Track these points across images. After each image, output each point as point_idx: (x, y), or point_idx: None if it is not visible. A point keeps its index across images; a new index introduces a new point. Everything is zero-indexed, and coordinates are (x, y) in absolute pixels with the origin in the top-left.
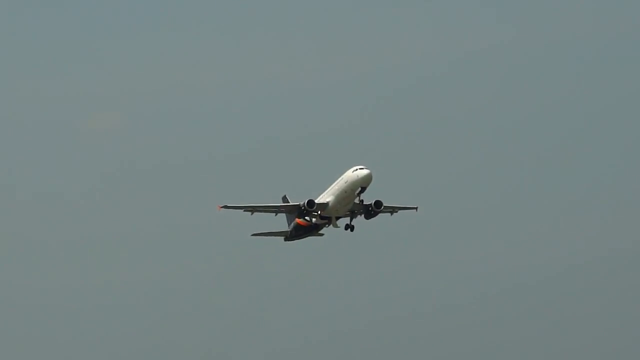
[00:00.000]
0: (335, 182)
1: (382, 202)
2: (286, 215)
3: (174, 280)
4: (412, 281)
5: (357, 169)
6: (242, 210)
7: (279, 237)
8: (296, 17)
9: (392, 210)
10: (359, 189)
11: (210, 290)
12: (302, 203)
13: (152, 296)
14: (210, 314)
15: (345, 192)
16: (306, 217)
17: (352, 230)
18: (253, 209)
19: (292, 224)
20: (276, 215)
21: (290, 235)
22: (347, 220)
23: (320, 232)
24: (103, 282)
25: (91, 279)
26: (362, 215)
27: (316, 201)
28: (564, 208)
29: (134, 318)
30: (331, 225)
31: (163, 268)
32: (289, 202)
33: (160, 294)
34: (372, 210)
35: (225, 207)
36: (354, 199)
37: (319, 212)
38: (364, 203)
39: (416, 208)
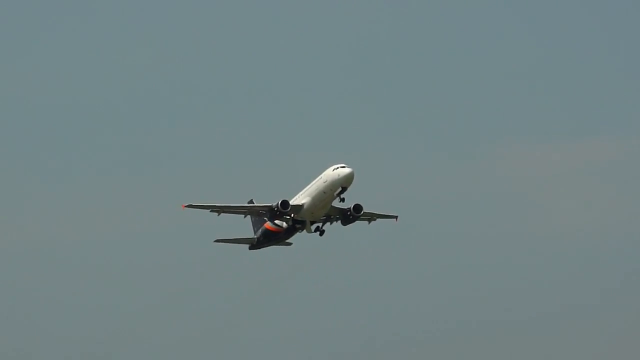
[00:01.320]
0: (312, 182)
1: (362, 206)
2: (252, 221)
3: (129, 287)
4: (379, 295)
5: (338, 167)
6: (209, 210)
7: (244, 244)
8: None
9: (371, 217)
10: (340, 189)
11: (167, 297)
12: (275, 204)
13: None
14: (167, 320)
15: (324, 192)
16: (276, 222)
17: (321, 234)
18: (220, 210)
19: (260, 230)
20: (245, 217)
21: (257, 242)
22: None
23: (289, 240)
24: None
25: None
26: (338, 221)
27: (291, 203)
28: None
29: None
30: (304, 231)
31: (117, 273)
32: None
33: (111, 298)
34: (351, 215)
35: (190, 206)
36: (333, 201)
37: (293, 216)
38: (342, 207)
39: (396, 217)
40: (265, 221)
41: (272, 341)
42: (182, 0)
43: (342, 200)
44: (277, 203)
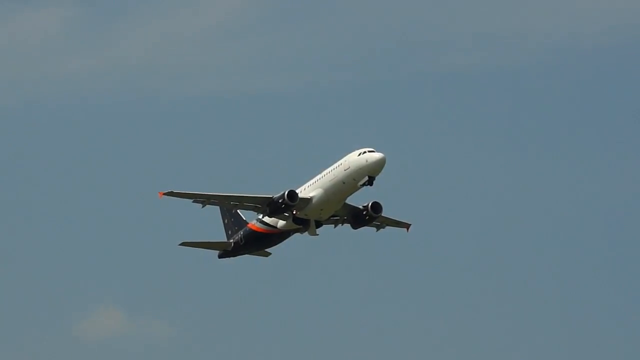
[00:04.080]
0: (326, 171)
1: (382, 205)
2: (224, 223)
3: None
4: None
5: (365, 152)
6: (192, 200)
7: (213, 250)
8: None
9: (381, 223)
10: (365, 178)
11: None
12: (278, 195)
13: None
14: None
15: (344, 183)
16: (267, 221)
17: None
18: (206, 200)
19: (242, 232)
20: (233, 211)
21: (234, 248)
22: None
23: (269, 250)
24: None
25: None
26: (344, 225)
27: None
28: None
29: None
30: (306, 233)
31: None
32: None
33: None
34: (367, 215)
35: (170, 193)
36: (350, 194)
37: (295, 212)
38: (355, 206)
39: (408, 226)
40: (246, 221)
41: None
42: None
43: (371, 184)
44: (283, 194)
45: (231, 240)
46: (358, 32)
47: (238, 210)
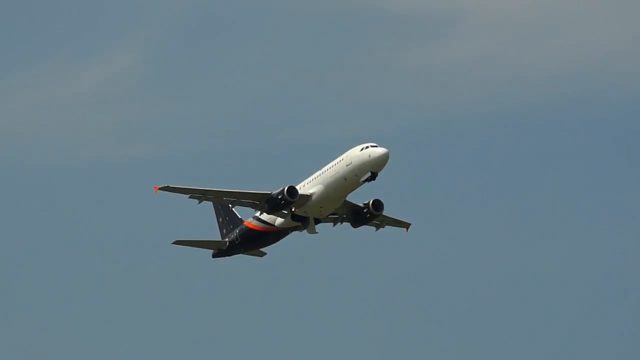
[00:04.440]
0: (326, 167)
1: (383, 203)
2: (219, 222)
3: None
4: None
5: (367, 147)
6: (188, 196)
7: (207, 249)
8: None
9: (381, 222)
10: (368, 174)
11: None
12: (278, 191)
13: None
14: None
15: (345, 179)
16: (264, 219)
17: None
18: (203, 195)
19: (237, 230)
20: (231, 207)
21: (229, 247)
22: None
23: (264, 249)
24: None
25: None
26: (343, 223)
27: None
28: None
29: None
30: (305, 231)
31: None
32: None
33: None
34: (368, 213)
35: (167, 188)
36: (352, 191)
37: (293, 209)
38: (356, 204)
39: (407, 226)
40: (241, 220)
41: None
42: None
43: (374, 180)
44: (282, 190)
45: (226, 239)
46: (236, 100)
47: (233, 208)
